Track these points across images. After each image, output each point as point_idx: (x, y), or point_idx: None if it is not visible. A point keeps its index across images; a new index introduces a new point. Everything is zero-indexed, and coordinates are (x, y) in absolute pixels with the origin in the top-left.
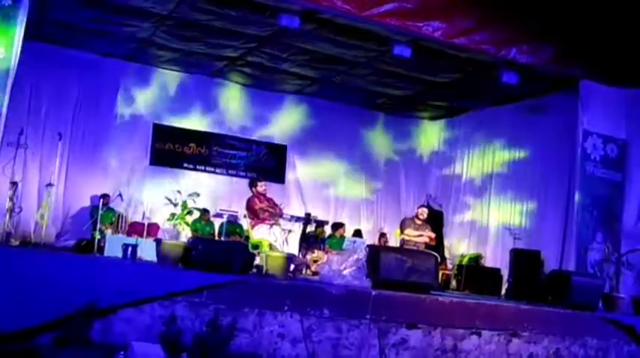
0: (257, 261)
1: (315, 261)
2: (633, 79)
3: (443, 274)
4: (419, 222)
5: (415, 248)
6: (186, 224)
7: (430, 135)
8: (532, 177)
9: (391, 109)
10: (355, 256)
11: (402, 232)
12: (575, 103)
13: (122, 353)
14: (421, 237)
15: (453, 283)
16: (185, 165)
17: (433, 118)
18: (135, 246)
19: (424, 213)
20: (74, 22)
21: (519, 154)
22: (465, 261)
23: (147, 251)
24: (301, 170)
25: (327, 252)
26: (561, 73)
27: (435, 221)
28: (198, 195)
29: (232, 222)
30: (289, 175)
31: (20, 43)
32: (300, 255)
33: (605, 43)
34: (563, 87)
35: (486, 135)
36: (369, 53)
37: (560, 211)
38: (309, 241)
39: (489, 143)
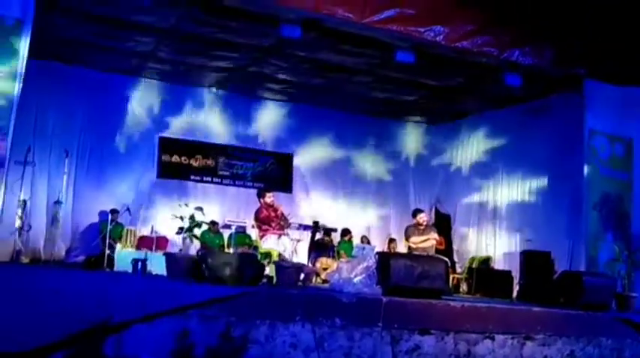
0: (267, 271)
1: (324, 269)
2: (637, 76)
3: (453, 278)
4: (421, 228)
5: (425, 253)
6: (195, 237)
7: (436, 140)
8: (539, 178)
9: (396, 115)
10: (365, 263)
11: (407, 240)
12: (581, 103)
13: None
14: (427, 241)
15: (464, 287)
16: (192, 177)
17: (438, 122)
18: (144, 261)
19: (423, 218)
20: (77, 38)
21: (526, 156)
22: (474, 263)
23: (156, 265)
24: (308, 179)
25: (339, 258)
26: (565, 73)
27: (443, 225)
28: (202, 209)
29: (241, 233)
30: (297, 184)
31: (25, 61)
32: (310, 264)
33: (608, 41)
34: (568, 87)
35: (492, 138)
36: (372, 60)
37: (568, 211)
38: (318, 249)
39: (495, 146)
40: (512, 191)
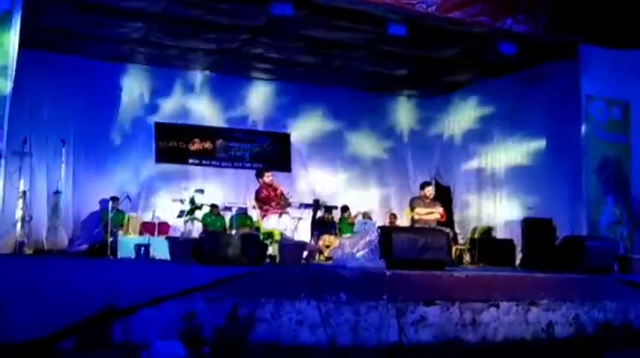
0: (270, 251)
1: (327, 246)
2: (632, 39)
3: (456, 249)
4: (427, 201)
5: (427, 226)
6: (196, 220)
7: (431, 112)
8: (538, 144)
9: (389, 89)
10: (367, 238)
11: (412, 211)
12: (576, 69)
13: (144, 352)
14: (432, 214)
15: (467, 257)
16: (191, 161)
17: (435, 94)
18: (147, 246)
19: (430, 190)
20: (68, 27)
21: (523, 123)
22: (476, 234)
23: (159, 249)
24: (307, 157)
25: (341, 234)
26: (559, 39)
27: (444, 197)
28: (202, 191)
29: (242, 214)
30: (295, 163)
31: (16, 52)
32: (313, 241)
33: (602, 5)
34: (563, 53)
35: (489, 108)
36: (365, 35)
37: (568, 177)
38: (320, 227)
39: (492, 115)
40: (510, 158)
